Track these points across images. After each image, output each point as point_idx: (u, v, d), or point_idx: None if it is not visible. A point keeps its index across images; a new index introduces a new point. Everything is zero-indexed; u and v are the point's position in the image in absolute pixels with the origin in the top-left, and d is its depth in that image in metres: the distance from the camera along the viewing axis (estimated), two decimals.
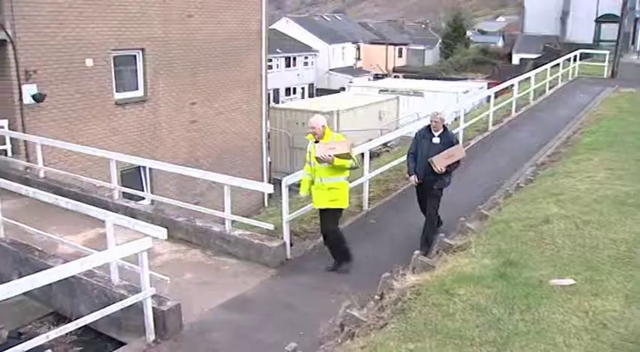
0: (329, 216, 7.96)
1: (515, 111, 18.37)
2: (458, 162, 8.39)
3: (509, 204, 8.70)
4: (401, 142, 20.82)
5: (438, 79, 46.92)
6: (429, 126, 8.55)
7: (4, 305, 5.65)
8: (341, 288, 7.32)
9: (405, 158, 12.14)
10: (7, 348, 5.66)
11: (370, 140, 19.47)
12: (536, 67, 24.32)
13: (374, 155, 15.50)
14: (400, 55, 66.23)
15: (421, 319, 4.80)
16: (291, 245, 8.48)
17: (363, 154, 10.57)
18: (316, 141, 7.84)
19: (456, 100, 30.68)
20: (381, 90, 34.76)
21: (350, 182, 10.52)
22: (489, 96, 17.44)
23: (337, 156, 7.62)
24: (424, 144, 8.48)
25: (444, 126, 8.52)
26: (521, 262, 5.78)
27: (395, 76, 55.52)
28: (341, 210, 8.07)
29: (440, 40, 67.84)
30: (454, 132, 14.37)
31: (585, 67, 27.47)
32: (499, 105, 17.93)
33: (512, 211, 8.02)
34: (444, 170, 8.21)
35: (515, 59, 51.66)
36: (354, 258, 8.17)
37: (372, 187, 10.86)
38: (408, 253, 7.86)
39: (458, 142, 8.62)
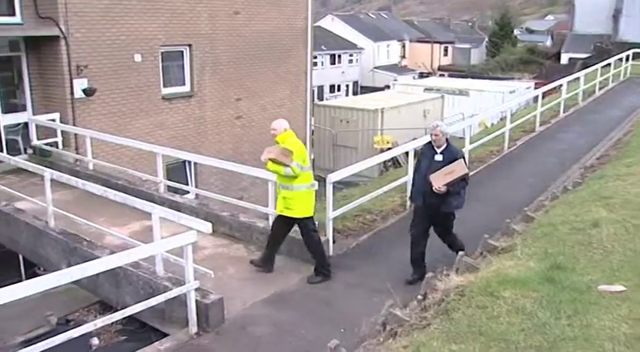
0: (300, 225, 7.80)
1: (564, 112, 18.02)
2: (464, 180, 7.40)
3: (555, 207, 8.52)
4: None
5: (484, 78, 46.30)
6: (430, 142, 7.61)
7: (54, 292, 5.80)
8: (382, 287, 7.27)
9: None
10: (57, 334, 5.83)
11: (414, 139, 19.38)
12: (586, 67, 23.78)
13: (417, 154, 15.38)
14: (446, 54, 65.60)
15: (465, 320, 4.74)
16: (333, 242, 8.48)
17: (407, 153, 10.52)
18: None
19: (502, 100, 30.24)
20: (425, 89, 34.48)
21: (394, 181, 10.54)
22: (536, 97, 17.12)
23: (271, 160, 7.57)
24: (425, 163, 7.55)
25: (447, 140, 7.54)
26: (568, 266, 5.65)
27: (440, 75, 55.04)
28: (307, 218, 7.68)
29: (486, 39, 66.87)
30: (500, 131, 14.31)
31: (638, 67, 26.73)
32: (547, 106, 17.60)
33: (560, 214, 7.85)
34: (443, 189, 7.22)
35: (564, 59, 50.62)
36: (393, 258, 8.16)
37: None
38: (450, 253, 7.81)
39: (462, 156, 7.60)
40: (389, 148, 22.58)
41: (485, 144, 13.89)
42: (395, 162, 21.65)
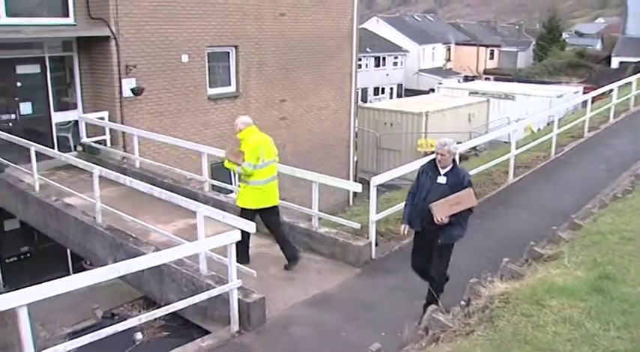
0: (261, 214, 8.23)
1: (614, 118, 17.55)
2: (469, 209, 6.56)
3: (604, 215, 8.30)
4: (490, 146, 20.37)
5: (531, 82, 45.50)
6: (434, 159, 6.67)
7: (99, 286, 5.92)
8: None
9: (494, 162, 11.98)
10: (102, 327, 5.95)
11: (459, 143, 19.22)
12: (638, 72, 23.12)
13: (462, 158, 15.22)
14: (492, 57, 64.74)
15: (510, 328, 4.66)
16: (376, 245, 8.46)
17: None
18: None
19: (549, 105, 29.69)
20: (471, 93, 34.11)
21: None
22: (585, 102, 16.73)
23: (227, 157, 8.23)
24: (426, 184, 6.63)
25: (453, 160, 6.67)
26: (618, 276, 5.50)
27: (486, 78, 54.34)
28: (243, 209, 8.04)
29: (534, 42, 65.75)
30: (547, 137, 14.02)
31: None
32: (596, 111, 17.17)
33: (609, 222, 7.65)
34: (445, 221, 6.42)
35: (615, 63, 49.37)
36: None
37: None
38: (494, 259, 7.68)
39: (470, 184, 6.61)
40: (433, 152, 22.40)
41: (531, 149, 13.64)
42: None
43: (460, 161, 10.62)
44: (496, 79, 50.29)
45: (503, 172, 12.27)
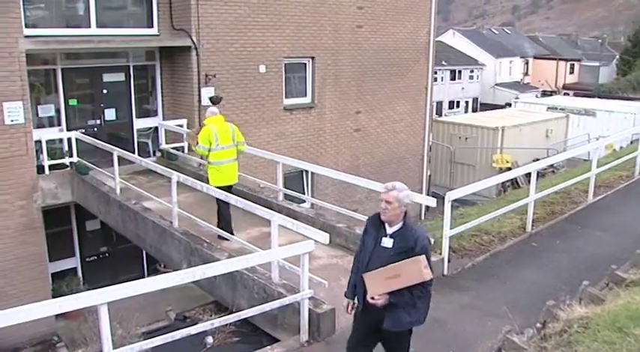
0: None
1: None
2: (422, 284, 4.74)
3: None
4: (568, 164, 19.74)
5: (613, 98, 43.81)
6: (379, 213, 4.96)
7: (171, 289, 6.06)
8: (497, 311, 7.07)
9: (573, 180, 11.60)
10: (175, 329, 6.10)
11: (536, 159, 18.67)
12: None
13: (539, 175, 14.85)
14: (572, 72, 62.88)
15: None
16: (448, 261, 8.32)
17: (529, 174, 10.16)
18: None
19: (633, 122, 28.51)
20: (549, 108, 33.14)
21: (513, 202, 10.21)
22: None
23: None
24: (369, 247, 5.00)
25: (405, 216, 4.89)
26: None
27: (565, 94, 52.73)
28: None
29: (617, 56, 63.35)
30: (631, 155, 13.43)
31: None
32: None
33: None
34: (380, 301, 4.75)
35: None
36: (510, 282, 7.86)
37: (536, 209, 10.37)
38: (571, 281, 7.44)
39: (425, 251, 4.76)
40: (508, 168, 21.94)
41: (613, 168, 13.14)
42: (514, 182, 20.95)
43: (537, 178, 10.34)
44: (576, 95, 48.65)
45: (582, 191, 11.87)
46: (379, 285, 4.74)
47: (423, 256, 4.68)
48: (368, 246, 4.97)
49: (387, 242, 4.84)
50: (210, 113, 9.71)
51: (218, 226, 9.16)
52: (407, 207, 4.86)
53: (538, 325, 5.53)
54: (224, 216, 9.29)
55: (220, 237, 9.06)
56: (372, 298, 4.74)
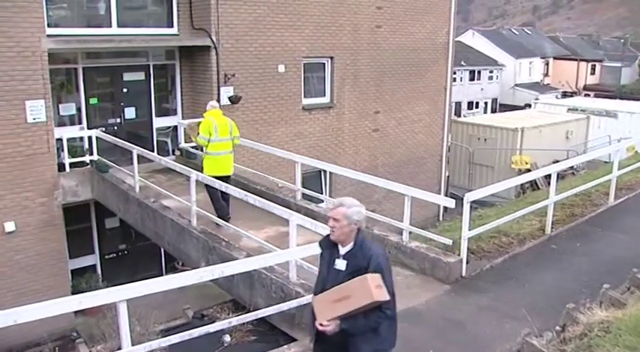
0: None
1: None
2: (380, 307, 4.19)
3: None
4: (589, 166, 19.55)
5: (636, 99, 43.30)
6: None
7: (189, 287, 6.08)
8: (516, 313, 7.02)
9: (594, 182, 11.48)
10: (192, 327, 6.13)
11: (556, 161, 18.49)
12: None
13: (559, 177, 14.72)
14: (593, 72, 62.20)
15: None
16: (467, 262, 8.28)
17: (549, 175, 10.07)
18: None
19: None
20: (569, 109, 32.84)
21: (532, 204, 10.13)
22: None
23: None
24: (323, 269, 4.58)
25: (358, 233, 4.39)
26: None
27: (585, 95, 52.26)
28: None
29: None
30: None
31: None
32: None
33: None
34: (329, 328, 4.21)
35: None
36: (529, 284, 7.81)
37: (556, 211, 10.27)
38: (592, 285, 7.36)
39: (380, 269, 4.24)
40: (527, 169, 21.77)
41: (635, 170, 12.98)
42: (533, 184, 20.79)
43: (557, 180, 10.24)
44: (597, 96, 48.22)
45: (603, 193, 11.74)
46: (327, 310, 4.21)
47: (378, 275, 4.16)
48: (322, 271, 4.54)
49: (340, 264, 4.38)
50: (210, 107, 10.37)
51: (217, 215, 9.62)
52: (359, 225, 4.37)
53: (557, 328, 5.48)
54: (218, 204, 9.78)
55: (217, 225, 9.50)
56: (322, 326, 4.20)
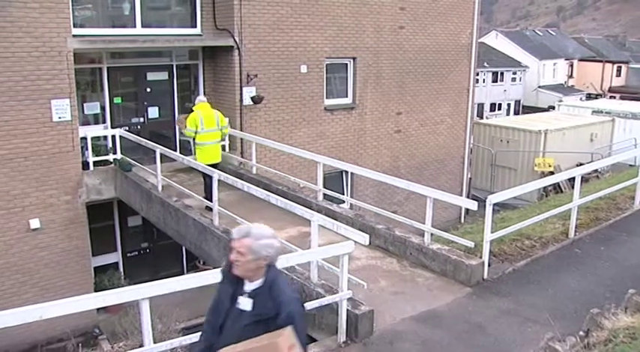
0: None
1: None
2: None
3: None
4: (614, 169, 19.30)
5: None
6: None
7: (212, 286, 6.11)
8: (538, 317, 6.96)
9: (619, 186, 11.33)
10: None
11: (580, 164, 18.32)
12: None
13: (583, 180, 14.56)
14: (618, 74, 61.37)
15: None
16: (489, 265, 8.22)
17: (573, 178, 9.96)
18: None
19: None
20: (594, 111, 32.48)
21: (555, 207, 10.04)
22: None
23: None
24: (225, 303, 3.75)
25: (268, 269, 3.66)
26: None
27: (611, 97, 51.58)
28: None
29: None
30: None
31: None
32: None
33: None
34: None
35: None
36: (552, 288, 7.74)
37: (580, 214, 10.16)
38: (616, 290, 7.27)
39: (292, 320, 3.53)
40: (550, 172, 21.57)
41: None
42: (556, 186, 20.59)
43: (581, 183, 10.12)
44: (622, 98, 47.61)
45: (628, 197, 11.59)
46: None
47: (290, 331, 3.43)
48: (224, 302, 3.74)
49: (245, 303, 3.62)
50: (198, 100, 11.16)
51: (206, 198, 10.40)
52: (270, 260, 3.64)
53: (581, 333, 5.42)
54: (210, 189, 10.18)
55: (207, 208, 10.19)
56: None
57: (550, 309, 7.14)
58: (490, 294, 7.75)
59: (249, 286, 3.65)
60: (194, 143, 11.12)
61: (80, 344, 11.07)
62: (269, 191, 9.26)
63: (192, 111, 11.01)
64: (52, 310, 4.72)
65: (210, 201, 9.81)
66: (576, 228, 9.85)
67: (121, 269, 14.78)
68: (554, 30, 73.23)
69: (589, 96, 52.02)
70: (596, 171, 19.75)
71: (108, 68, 13.77)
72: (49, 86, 11.95)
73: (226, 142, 14.49)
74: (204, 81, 15.20)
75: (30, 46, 11.64)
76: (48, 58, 11.86)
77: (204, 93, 15.13)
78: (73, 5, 12.46)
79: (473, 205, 8.21)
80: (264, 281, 3.62)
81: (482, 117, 43.02)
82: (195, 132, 10.75)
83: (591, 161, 20.95)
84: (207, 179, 10.28)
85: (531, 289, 7.95)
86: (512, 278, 8.28)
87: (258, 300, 3.59)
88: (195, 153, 11.13)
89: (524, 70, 54.33)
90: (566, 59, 60.12)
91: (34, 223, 12.29)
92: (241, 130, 14.46)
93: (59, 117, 12.18)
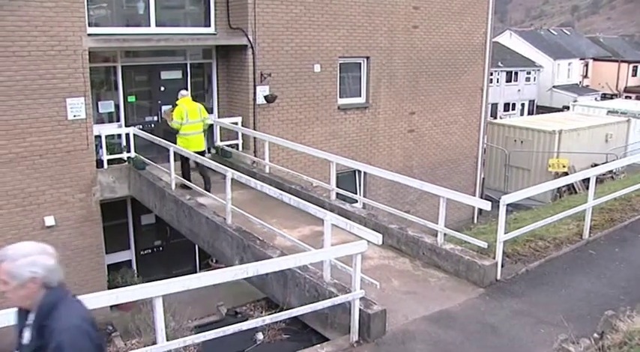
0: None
1: None
2: None
3: None
4: (629, 170, 19.14)
5: None
6: None
7: (223, 284, 6.13)
8: (551, 318, 6.92)
9: (634, 187, 11.23)
10: (226, 324, 6.17)
11: (595, 165, 18.18)
12: None
13: (598, 181, 14.45)
14: (634, 74, 60.87)
15: None
16: (502, 266, 8.18)
17: (588, 179, 9.89)
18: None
19: None
20: (609, 112, 32.24)
21: (570, 208, 9.98)
22: None
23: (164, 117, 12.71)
24: (16, 338, 3.28)
25: (47, 292, 3.13)
26: None
27: (626, 97, 51.18)
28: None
29: None
30: None
31: None
32: None
33: None
34: None
35: None
36: (566, 289, 7.69)
37: (594, 215, 10.09)
38: (631, 292, 7.22)
39: (61, 350, 2.95)
40: (564, 172, 21.44)
41: None
42: (570, 187, 20.46)
43: (596, 184, 10.03)
44: (638, 98, 47.27)
45: None
46: None
47: None
48: (17, 338, 3.26)
49: (26, 336, 3.15)
50: (181, 95, 12.17)
51: (183, 177, 11.73)
52: (45, 281, 3.11)
53: (595, 335, 5.38)
54: (187, 170, 11.95)
55: (183, 187, 11.50)
56: None
57: (564, 311, 7.10)
58: (503, 295, 7.72)
59: (30, 317, 3.13)
60: (178, 134, 12.01)
61: None
62: (282, 190, 9.27)
63: (177, 105, 12.14)
64: None
65: (189, 181, 11.58)
66: (591, 229, 9.78)
67: (134, 267, 14.85)
68: (568, 29, 72.76)
69: (604, 97, 51.67)
70: (611, 171, 19.60)
71: (122, 67, 13.84)
72: (64, 85, 12.03)
73: (240, 141, 14.56)
74: (217, 80, 15.24)
75: (45, 44, 11.73)
76: (63, 57, 11.94)
77: (218, 93, 15.21)
78: (88, 4, 12.53)
79: (486, 205, 8.18)
80: (38, 307, 3.09)
81: (495, 117, 42.84)
82: (181, 124, 11.79)
83: (606, 162, 20.79)
84: (186, 163, 11.90)
85: (545, 290, 7.91)
86: (525, 279, 8.24)
87: (34, 331, 3.09)
88: (177, 143, 11.89)
89: (538, 70, 54.05)
90: (580, 59, 59.73)
91: (49, 220, 12.39)
92: (255, 129, 14.49)
93: (74, 116, 12.27)
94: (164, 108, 14.30)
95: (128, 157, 13.17)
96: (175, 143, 11.79)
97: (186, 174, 11.95)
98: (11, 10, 11.29)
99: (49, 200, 12.37)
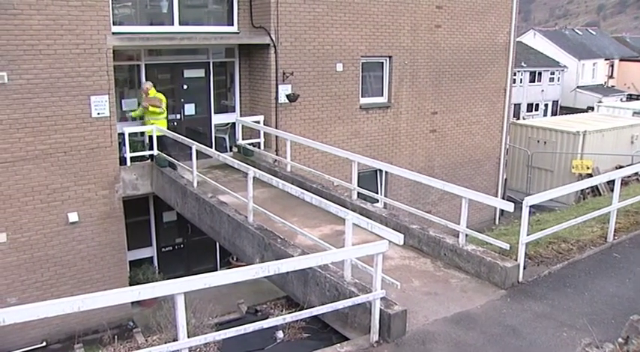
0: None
1: None
2: None
3: None
4: None
5: None
6: None
7: (244, 282, 6.16)
8: (574, 322, 6.85)
9: None
10: (246, 322, 6.19)
11: (619, 166, 17.94)
12: None
13: (622, 183, 14.25)
14: None
15: None
16: (524, 268, 8.11)
17: (612, 181, 9.76)
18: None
19: None
20: (635, 113, 31.77)
21: (594, 210, 9.86)
22: None
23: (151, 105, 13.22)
24: None
25: None
26: None
27: None
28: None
29: None
30: None
31: None
32: None
33: None
34: None
35: None
36: (589, 293, 7.60)
37: (619, 218, 9.95)
38: None
39: None
40: (588, 174, 21.19)
41: None
42: (594, 189, 20.22)
43: (621, 186, 9.89)
44: None
45: None
46: None
47: None
48: None
49: None
50: (150, 85, 13.26)
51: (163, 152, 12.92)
52: None
53: (620, 340, 5.30)
54: (171, 150, 13.31)
55: (171, 166, 12.63)
56: None
57: (587, 314, 7.02)
58: (525, 297, 7.65)
59: None
60: (156, 119, 13.27)
61: (116, 336, 11.25)
62: (303, 189, 9.26)
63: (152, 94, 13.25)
64: (90, 302, 4.79)
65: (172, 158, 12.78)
66: (615, 232, 9.66)
67: (156, 263, 14.98)
68: (594, 29, 71.88)
69: (630, 97, 50.96)
70: (636, 174, 19.33)
71: (146, 65, 13.97)
72: (89, 83, 12.17)
73: (261, 140, 14.60)
74: (240, 78, 15.31)
75: (71, 43, 11.87)
76: (88, 55, 12.08)
77: (240, 92, 15.28)
78: (112, 3, 12.67)
79: (509, 207, 8.10)
80: None
81: (518, 118, 42.47)
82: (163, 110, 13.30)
83: (631, 164, 20.49)
84: (166, 143, 13.38)
85: (567, 293, 7.83)
86: (547, 281, 8.15)
87: None
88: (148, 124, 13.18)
89: (562, 70, 53.51)
90: (606, 59, 59.01)
91: (73, 217, 12.54)
92: (276, 128, 14.53)
93: (98, 113, 12.40)
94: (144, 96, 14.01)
95: (151, 155, 13.28)
96: (199, 142, 11.85)
97: (170, 152, 13.28)
98: (38, 9, 11.44)
99: (73, 196, 12.52)
